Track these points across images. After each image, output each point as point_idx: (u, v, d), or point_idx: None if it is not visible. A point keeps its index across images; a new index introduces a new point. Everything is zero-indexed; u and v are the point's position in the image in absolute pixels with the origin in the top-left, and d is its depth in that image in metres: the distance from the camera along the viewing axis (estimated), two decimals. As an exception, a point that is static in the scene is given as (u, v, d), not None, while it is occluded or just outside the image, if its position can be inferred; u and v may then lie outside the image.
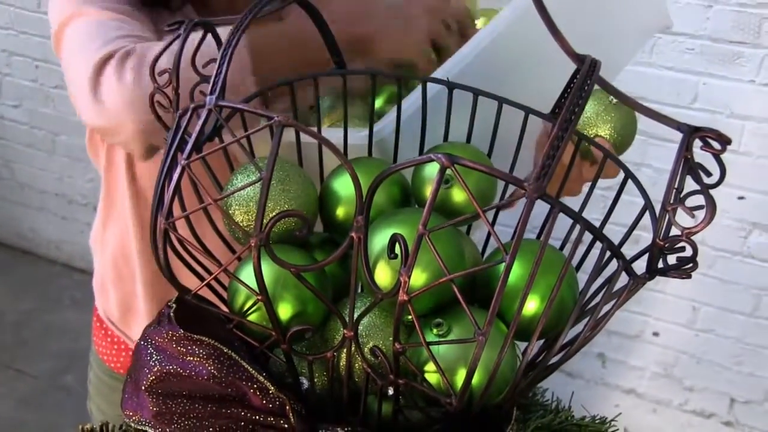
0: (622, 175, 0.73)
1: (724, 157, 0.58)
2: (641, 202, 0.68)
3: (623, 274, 0.62)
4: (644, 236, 0.61)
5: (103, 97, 0.90)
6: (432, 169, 0.71)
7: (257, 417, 0.67)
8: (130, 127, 0.89)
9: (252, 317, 0.68)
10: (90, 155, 1.25)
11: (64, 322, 3.22)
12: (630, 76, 1.11)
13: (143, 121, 0.88)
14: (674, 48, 2.21)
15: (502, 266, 0.54)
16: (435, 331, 0.64)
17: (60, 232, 3.67)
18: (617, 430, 0.79)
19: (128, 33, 0.95)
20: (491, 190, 0.72)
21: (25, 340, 3.14)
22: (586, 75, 0.59)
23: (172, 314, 0.69)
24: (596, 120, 0.89)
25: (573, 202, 0.63)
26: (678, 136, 0.60)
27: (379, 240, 0.63)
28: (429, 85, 0.83)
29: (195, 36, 0.73)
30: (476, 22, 1.10)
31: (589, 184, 0.80)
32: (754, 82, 2.16)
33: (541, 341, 0.64)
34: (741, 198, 2.29)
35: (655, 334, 2.59)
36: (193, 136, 0.63)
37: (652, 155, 2.26)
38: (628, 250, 0.63)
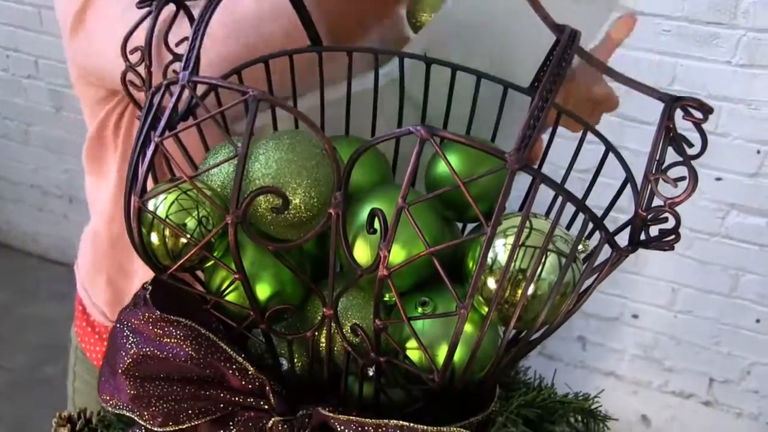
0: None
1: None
2: (620, 184, 0.68)
3: (605, 247, 0.61)
4: (625, 219, 0.62)
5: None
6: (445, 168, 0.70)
7: (236, 398, 0.66)
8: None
9: (230, 297, 0.67)
10: (90, 158, 1.19)
11: (41, 315, 3.19)
12: (607, 59, 1.10)
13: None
14: (651, 30, 2.21)
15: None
16: (420, 309, 0.63)
17: (36, 224, 3.63)
18: (600, 406, 0.78)
19: None
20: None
21: (0, 333, 3.10)
22: (566, 45, 0.58)
23: (148, 296, 0.68)
24: None
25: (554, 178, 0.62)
26: (655, 115, 0.59)
27: (359, 216, 0.63)
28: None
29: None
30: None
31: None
32: (731, 63, 2.16)
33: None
34: (718, 179, 2.29)
35: (635, 316, 2.60)
36: (166, 112, 0.62)
37: (629, 137, 2.25)
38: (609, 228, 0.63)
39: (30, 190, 3.58)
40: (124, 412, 0.68)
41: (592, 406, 0.77)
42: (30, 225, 3.65)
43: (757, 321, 2.44)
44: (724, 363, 2.54)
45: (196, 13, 0.67)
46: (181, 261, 0.63)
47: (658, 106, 0.59)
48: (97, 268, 1.22)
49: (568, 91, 0.94)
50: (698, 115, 0.58)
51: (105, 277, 1.21)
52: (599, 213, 0.70)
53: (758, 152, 2.23)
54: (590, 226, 0.59)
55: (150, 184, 0.64)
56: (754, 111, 2.18)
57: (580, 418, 0.77)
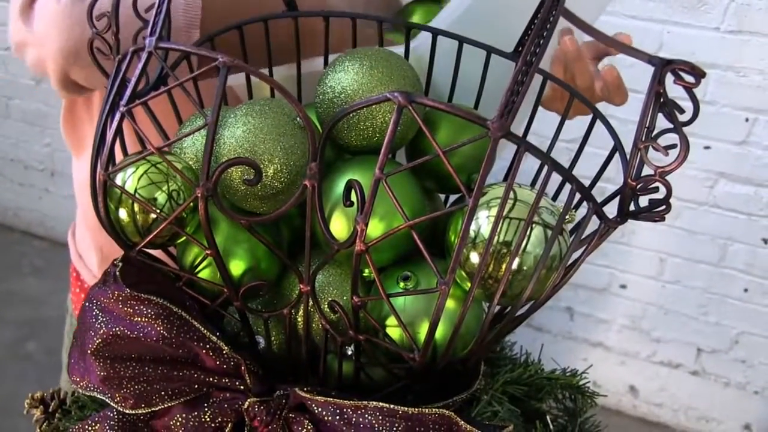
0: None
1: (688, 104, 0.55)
2: (607, 153, 0.65)
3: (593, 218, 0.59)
4: (613, 190, 0.59)
5: (36, 6, 0.86)
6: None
7: (211, 379, 0.64)
8: (52, 45, 0.84)
9: (203, 274, 0.64)
10: (67, 136, 1.17)
11: (24, 290, 3.16)
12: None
13: (68, 39, 0.83)
14: (638, -5, 2.18)
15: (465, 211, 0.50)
16: (402, 284, 0.61)
17: (17, 199, 3.59)
18: (588, 382, 0.76)
19: None
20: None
21: (-18, 309, 3.07)
22: (551, 6, 0.55)
23: (117, 273, 0.65)
24: None
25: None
26: (642, 83, 0.57)
27: (335, 188, 0.60)
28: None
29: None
30: None
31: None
32: (719, 29, 2.13)
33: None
34: (707, 148, 2.27)
35: (623, 286, 2.58)
36: (133, 80, 0.59)
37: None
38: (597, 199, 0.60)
39: (11, 164, 3.53)
40: (95, 394, 0.66)
41: (580, 382, 0.75)
42: (11, 200, 3.61)
43: (745, 290, 2.43)
44: (712, 333, 2.53)
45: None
46: (150, 237, 0.60)
47: (645, 74, 0.56)
48: (91, 244, 1.19)
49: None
50: (690, 79, 0.55)
51: (101, 254, 1.18)
52: (586, 184, 0.67)
53: (746, 120, 2.21)
54: (577, 196, 0.57)
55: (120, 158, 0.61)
56: (742, 78, 2.16)
57: (567, 394, 0.75)
